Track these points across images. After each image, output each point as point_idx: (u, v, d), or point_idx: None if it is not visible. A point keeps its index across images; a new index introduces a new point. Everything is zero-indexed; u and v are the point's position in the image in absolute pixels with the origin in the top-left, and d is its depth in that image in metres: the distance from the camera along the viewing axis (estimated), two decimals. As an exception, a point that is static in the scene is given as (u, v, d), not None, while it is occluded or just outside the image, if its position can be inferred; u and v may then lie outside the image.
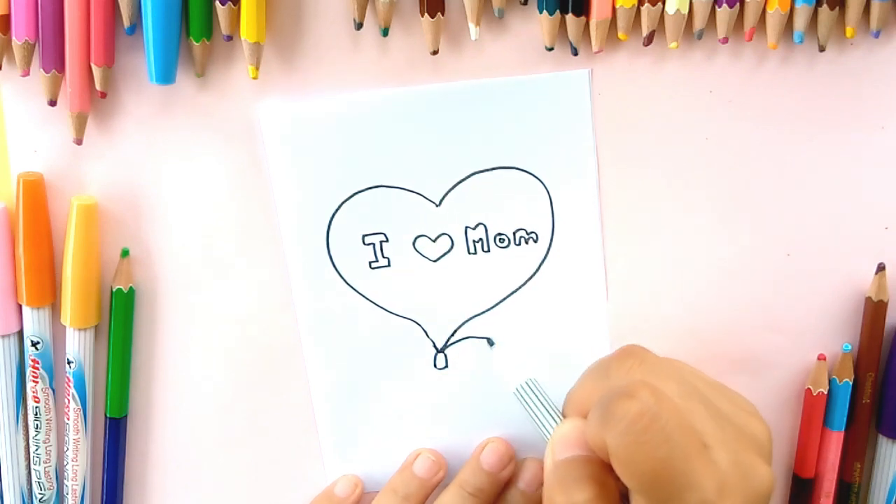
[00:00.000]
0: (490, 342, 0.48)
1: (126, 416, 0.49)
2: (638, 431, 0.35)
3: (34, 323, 0.47)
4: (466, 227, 0.48)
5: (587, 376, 0.41)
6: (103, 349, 0.49)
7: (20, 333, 0.48)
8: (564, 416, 0.42)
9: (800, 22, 0.46)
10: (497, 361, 0.45)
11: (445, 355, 0.50)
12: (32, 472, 0.49)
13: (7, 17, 0.44)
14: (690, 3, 0.45)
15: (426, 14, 0.45)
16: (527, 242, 0.49)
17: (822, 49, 0.47)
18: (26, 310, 0.47)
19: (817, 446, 0.51)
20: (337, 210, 0.48)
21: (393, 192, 0.48)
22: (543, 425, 0.42)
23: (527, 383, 0.43)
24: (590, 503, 0.38)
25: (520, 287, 0.49)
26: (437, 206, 0.48)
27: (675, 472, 0.35)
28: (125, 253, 0.48)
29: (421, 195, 0.48)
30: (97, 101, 0.46)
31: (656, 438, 0.35)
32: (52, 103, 0.45)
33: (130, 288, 0.48)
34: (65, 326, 0.48)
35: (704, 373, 0.42)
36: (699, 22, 0.46)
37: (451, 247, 0.48)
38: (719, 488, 0.35)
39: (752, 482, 0.37)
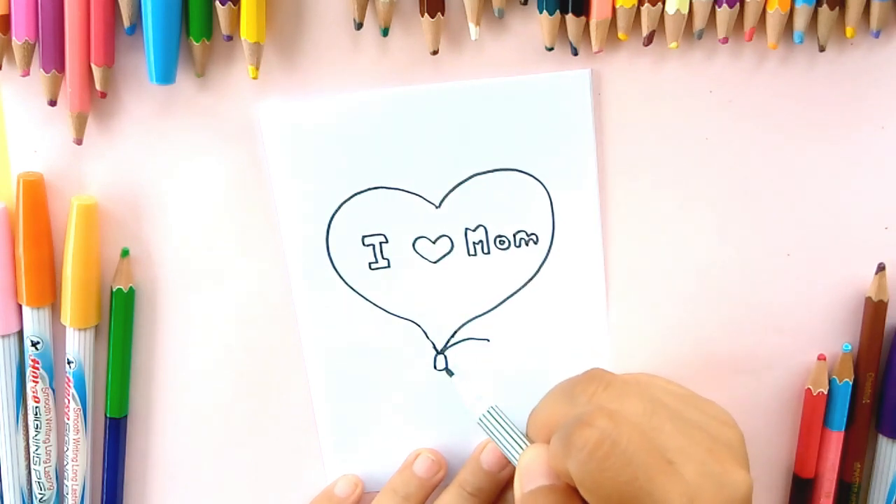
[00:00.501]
0: (449, 373, 0.48)
1: (126, 416, 0.49)
2: (599, 458, 0.36)
3: (34, 323, 0.47)
4: (466, 229, 0.48)
5: (550, 399, 0.42)
6: (103, 349, 0.49)
7: (20, 333, 0.48)
8: (529, 439, 0.42)
9: (800, 22, 0.46)
10: (459, 391, 0.45)
11: (445, 356, 0.50)
12: (32, 472, 0.49)
13: (7, 17, 0.44)
14: (690, 3, 0.45)
15: (426, 14, 0.45)
16: (527, 244, 0.49)
17: (822, 49, 0.47)
18: (26, 310, 0.47)
19: (817, 446, 0.51)
20: (337, 211, 0.48)
21: (393, 193, 0.48)
22: (510, 452, 0.43)
23: (489, 412, 0.43)
24: None
25: (520, 289, 0.49)
26: (436, 207, 0.48)
27: (641, 493, 0.36)
28: (125, 253, 0.48)
29: (421, 196, 0.48)
30: (97, 101, 0.46)
31: (618, 463, 0.36)
32: (52, 103, 0.45)
33: (130, 288, 0.48)
34: (65, 326, 0.48)
35: (676, 383, 0.42)
36: (699, 22, 0.46)
37: (451, 248, 0.48)
38: (689, 502, 0.36)
39: (726, 489, 0.37)
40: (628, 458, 0.36)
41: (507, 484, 0.50)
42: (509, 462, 0.49)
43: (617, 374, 0.41)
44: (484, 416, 0.44)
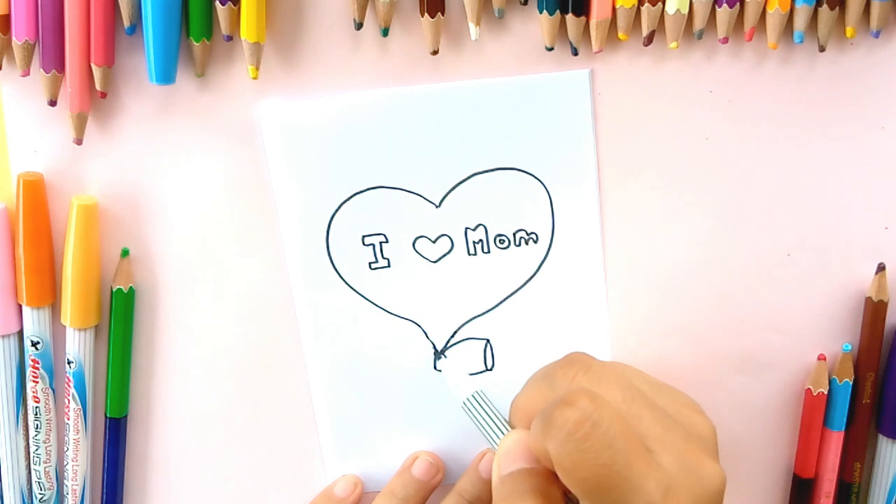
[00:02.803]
0: (438, 356, 0.48)
1: (126, 416, 0.49)
2: (579, 439, 0.36)
3: (34, 323, 0.47)
4: (466, 228, 0.48)
5: (531, 384, 0.42)
6: (103, 349, 0.49)
7: (20, 333, 0.48)
8: (511, 426, 0.42)
9: (800, 22, 0.46)
10: (446, 374, 0.45)
11: (445, 356, 0.50)
12: (32, 472, 0.50)
13: (7, 17, 0.44)
14: (690, 3, 0.45)
15: (426, 14, 0.45)
16: (527, 243, 0.49)
17: (822, 49, 0.47)
18: (26, 310, 0.47)
19: (817, 446, 0.51)
20: (337, 210, 0.48)
21: (393, 192, 0.48)
22: (491, 437, 0.42)
23: (474, 396, 0.44)
24: None
25: (520, 288, 0.49)
26: (437, 206, 0.48)
27: (618, 478, 0.35)
28: (125, 253, 0.48)
29: (421, 196, 0.48)
30: (97, 101, 0.46)
31: (598, 445, 0.36)
32: (52, 103, 0.45)
33: (130, 288, 0.48)
34: (65, 326, 0.48)
35: (647, 374, 0.42)
36: (699, 22, 0.46)
37: (451, 248, 0.48)
38: (665, 490, 0.36)
39: (701, 481, 0.37)
40: (608, 440, 0.36)
41: None
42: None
43: (596, 359, 0.41)
44: (468, 399, 0.44)
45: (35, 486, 0.50)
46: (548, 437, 0.36)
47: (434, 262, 0.49)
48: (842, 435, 0.51)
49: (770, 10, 0.46)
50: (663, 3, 0.45)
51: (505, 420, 0.43)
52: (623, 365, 0.43)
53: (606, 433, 0.36)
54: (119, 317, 0.48)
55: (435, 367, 0.50)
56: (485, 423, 0.43)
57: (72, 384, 0.48)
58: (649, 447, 0.37)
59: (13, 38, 0.44)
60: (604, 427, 0.36)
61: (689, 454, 0.37)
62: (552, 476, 0.39)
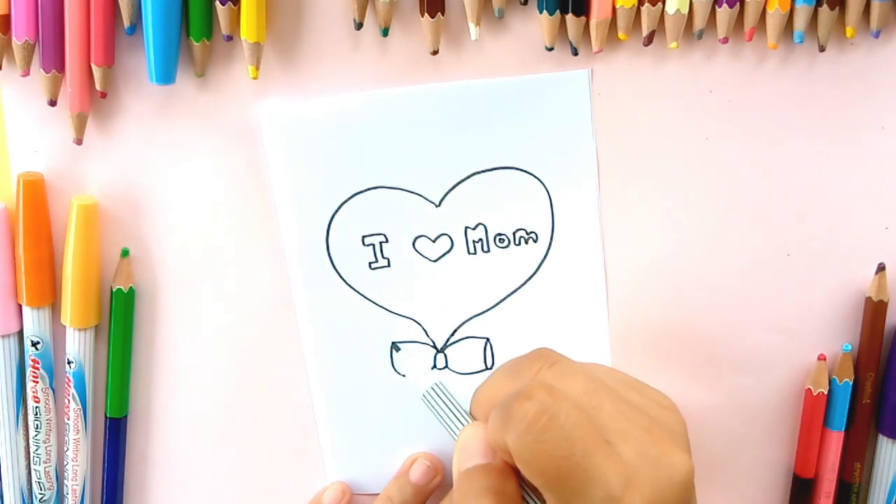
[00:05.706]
0: (396, 348, 0.48)
1: (126, 416, 0.49)
2: (537, 431, 0.36)
3: (34, 323, 0.47)
4: (466, 228, 0.48)
5: (496, 376, 0.42)
6: (103, 349, 0.49)
7: (20, 333, 0.48)
8: (472, 416, 0.42)
9: (800, 22, 0.46)
10: (404, 367, 0.45)
11: (445, 355, 0.50)
12: (32, 472, 0.50)
13: (7, 17, 0.44)
14: (690, 3, 0.45)
15: (426, 14, 0.45)
16: (526, 242, 0.49)
17: (822, 49, 0.47)
18: (26, 310, 0.47)
19: (817, 446, 0.51)
20: (337, 211, 0.48)
21: (393, 192, 0.48)
22: (452, 429, 0.43)
23: (433, 388, 0.43)
24: None
25: (519, 287, 0.49)
26: (436, 206, 0.48)
27: (577, 469, 0.36)
28: (125, 253, 0.48)
29: (421, 196, 0.48)
30: (97, 101, 0.46)
31: (556, 437, 0.36)
32: (52, 103, 0.45)
33: (130, 288, 0.48)
34: (65, 326, 0.48)
35: (620, 372, 0.43)
36: (699, 22, 0.46)
37: (451, 247, 0.48)
38: (625, 481, 0.36)
39: (665, 470, 0.37)
40: (566, 433, 0.36)
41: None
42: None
43: (563, 356, 0.41)
44: (427, 392, 0.43)
45: (35, 486, 0.50)
46: (507, 429, 0.37)
47: (434, 261, 0.49)
48: (842, 435, 0.51)
49: (770, 10, 0.46)
50: (663, 3, 0.45)
51: (465, 411, 0.43)
52: (594, 364, 0.43)
53: (564, 425, 0.36)
54: (119, 317, 0.48)
55: (434, 366, 0.50)
56: (445, 415, 0.43)
57: (72, 384, 0.48)
58: (609, 439, 0.37)
59: (13, 38, 0.44)
60: (562, 419, 0.36)
61: (652, 445, 0.37)
62: (509, 471, 0.39)
